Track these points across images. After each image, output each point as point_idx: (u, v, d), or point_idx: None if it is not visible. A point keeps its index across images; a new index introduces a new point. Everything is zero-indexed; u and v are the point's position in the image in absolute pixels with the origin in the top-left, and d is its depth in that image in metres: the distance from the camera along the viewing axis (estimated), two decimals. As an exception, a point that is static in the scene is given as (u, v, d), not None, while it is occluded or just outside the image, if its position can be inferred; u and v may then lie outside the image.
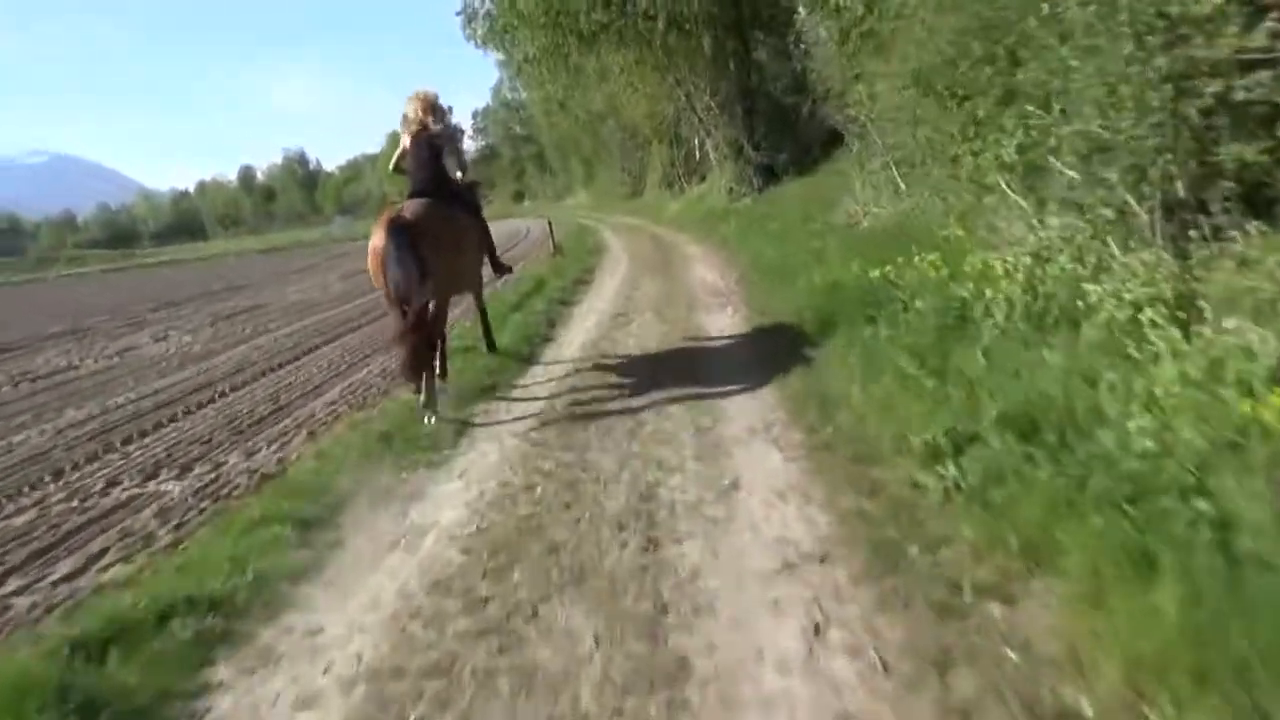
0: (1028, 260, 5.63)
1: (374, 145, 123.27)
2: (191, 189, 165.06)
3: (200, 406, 7.35)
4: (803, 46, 21.86)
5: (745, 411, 4.94)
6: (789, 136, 20.85)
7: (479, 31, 20.17)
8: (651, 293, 10.80)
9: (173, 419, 6.97)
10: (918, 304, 5.81)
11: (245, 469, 5.16)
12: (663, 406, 5.24)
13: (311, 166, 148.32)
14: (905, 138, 10.41)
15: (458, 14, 20.22)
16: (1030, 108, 6.66)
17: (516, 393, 6.23)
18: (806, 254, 9.97)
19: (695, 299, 9.67)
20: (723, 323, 8.10)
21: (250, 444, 5.78)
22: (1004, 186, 7.09)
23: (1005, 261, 6.10)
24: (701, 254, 15.03)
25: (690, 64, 21.54)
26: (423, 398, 5.46)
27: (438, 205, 5.84)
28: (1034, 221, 6.59)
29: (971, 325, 5.06)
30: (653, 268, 13.90)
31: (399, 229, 5.29)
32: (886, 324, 5.64)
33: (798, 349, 6.13)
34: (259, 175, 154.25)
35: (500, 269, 7.66)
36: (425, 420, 5.34)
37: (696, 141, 32.05)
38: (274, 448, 5.59)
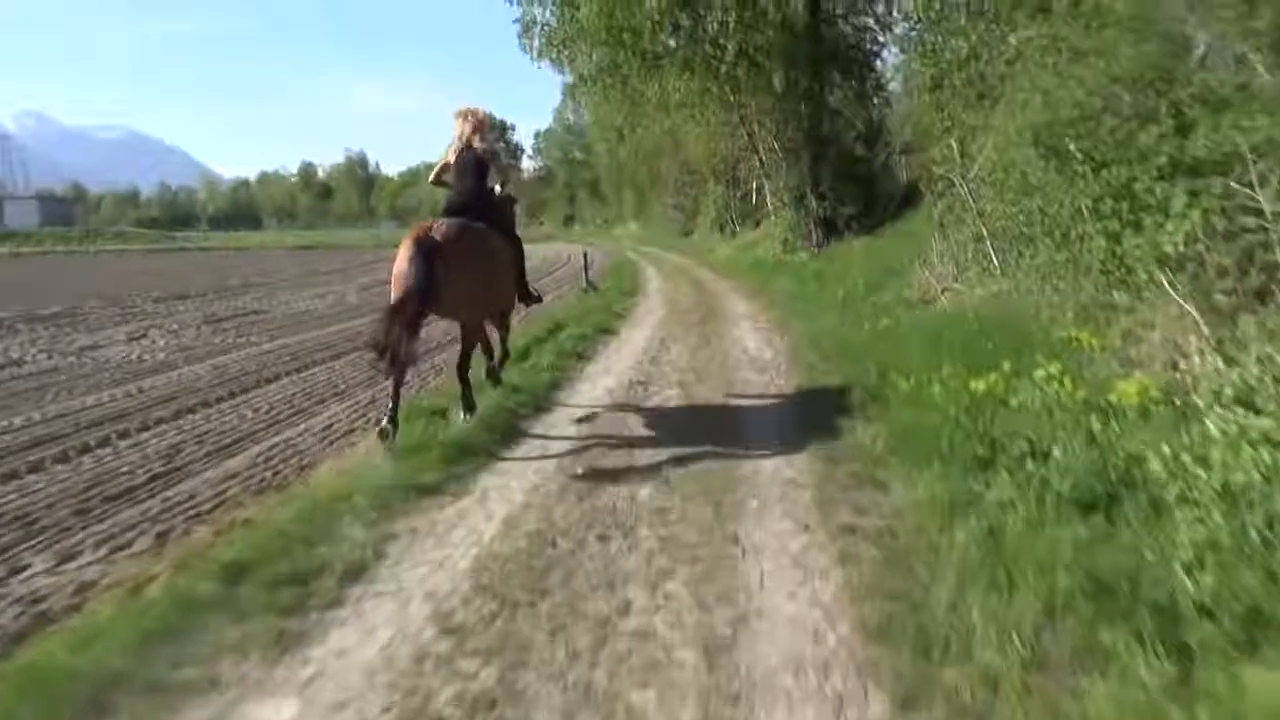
0: (1234, 410, 3.76)
1: (433, 155, 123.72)
2: (253, 178, 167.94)
3: (65, 459, 5.65)
4: (884, 93, 20.17)
5: (789, 640, 2.86)
6: (856, 189, 19.04)
7: (535, 44, 18.75)
8: (683, 358, 9.04)
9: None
10: (1055, 452, 3.94)
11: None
12: (659, 582, 3.39)
13: (370, 169, 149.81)
14: (1007, 205, 8.58)
15: (515, 21, 18.88)
16: (1225, 181, 4.85)
17: (465, 501, 4.43)
18: (874, 336, 8.18)
19: (733, 376, 7.88)
20: (765, 419, 6.28)
21: (59, 546, 4.04)
22: (1165, 287, 5.23)
23: (1183, 397, 4.26)
24: (748, 312, 13.26)
25: (757, 100, 19.93)
26: (388, 416, 5.15)
27: (471, 225, 5.67)
28: (1213, 343, 4.74)
29: (1163, 513, 3.17)
30: (690, 323, 12.17)
31: (426, 247, 5.20)
32: (1010, 482, 3.76)
33: (871, 495, 4.27)
34: (320, 172, 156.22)
35: (528, 299, 7.16)
36: (385, 435, 5.06)
37: (754, 185, 30.47)
38: (78, 565, 3.83)
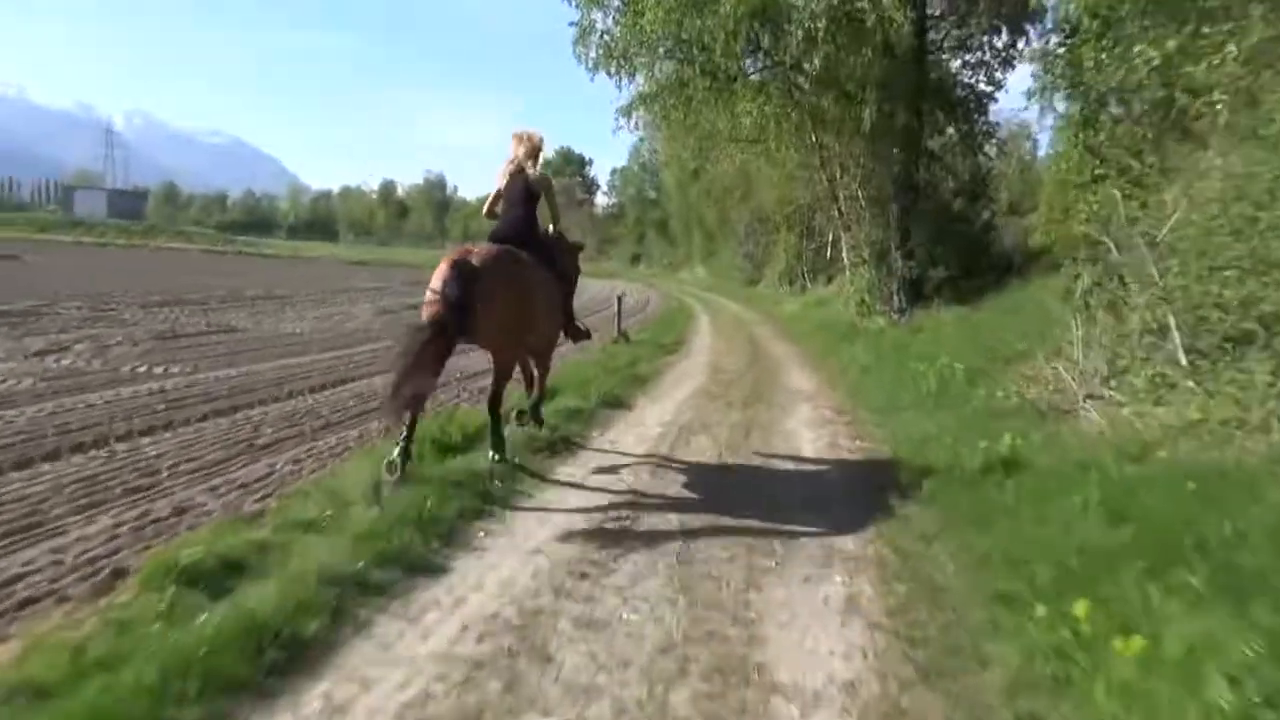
0: None
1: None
2: (336, 191, 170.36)
3: None
4: (994, 140, 17.21)
5: None
6: (952, 250, 15.98)
7: (592, 53, 16.26)
8: (704, 470, 6.17)
9: None
10: None
11: None
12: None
13: (448, 192, 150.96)
14: (1219, 285, 5.62)
15: (571, 24, 16.44)
16: None
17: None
18: (997, 468, 5.24)
19: (776, 518, 4.85)
20: (832, 592, 3.57)
21: None
22: None
23: None
24: (810, 390, 10.45)
25: (842, 138, 17.05)
26: (399, 448, 4.71)
27: (514, 254, 5.33)
28: None
29: None
30: (732, 400, 9.48)
31: (463, 270, 4.87)
32: None
33: None
34: (399, 190, 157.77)
35: (577, 334, 6.86)
36: (392, 468, 4.59)
37: (830, 237, 27.60)
38: None
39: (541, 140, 5.98)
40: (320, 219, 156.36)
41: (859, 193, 17.98)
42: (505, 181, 5.83)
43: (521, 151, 5.82)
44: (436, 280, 4.89)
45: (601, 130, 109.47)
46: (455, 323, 4.76)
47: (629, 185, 75.50)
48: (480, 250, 5.13)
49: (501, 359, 5.42)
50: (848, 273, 19.49)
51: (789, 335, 17.21)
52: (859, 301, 16.85)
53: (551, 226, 6.18)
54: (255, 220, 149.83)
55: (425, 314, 4.91)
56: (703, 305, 26.71)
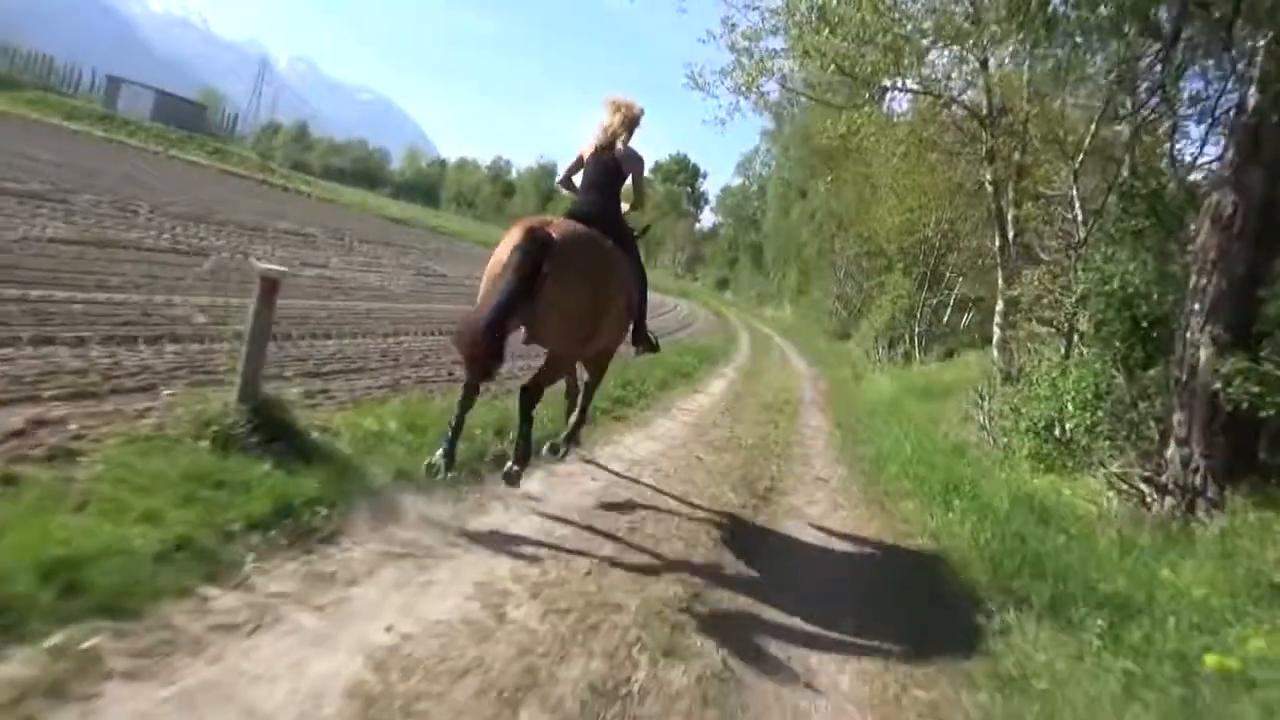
0: None
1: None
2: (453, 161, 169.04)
3: None
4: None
5: None
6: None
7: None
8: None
9: None
10: None
11: None
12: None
13: (556, 181, 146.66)
14: None
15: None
16: None
17: None
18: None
19: None
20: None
21: None
22: None
23: None
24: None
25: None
26: (443, 447, 4.05)
27: (599, 238, 4.47)
28: None
29: None
30: None
31: (537, 242, 3.94)
32: None
33: None
34: (513, 171, 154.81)
35: (644, 343, 5.41)
36: (434, 471, 4.00)
37: (957, 294, 19.59)
38: None
39: (641, 112, 4.93)
40: (427, 183, 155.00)
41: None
42: (591, 152, 4.89)
43: (616, 120, 4.85)
44: (504, 247, 4.06)
45: (725, 150, 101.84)
46: (518, 297, 3.82)
47: (730, 199, 67.78)
48: (560, 224, 4.20)
49: (559, 360, 4.44)
50: (993, 352, 11.59)
51: (868, 435, 9.59)
52: (1047, 428, 8.60)
53: (631, 207, 5.26)
54: (363, 171, 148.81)
55: (484, 285, 4.14)
56: (761, 356, 19.06)
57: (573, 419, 5.41)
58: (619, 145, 4.86)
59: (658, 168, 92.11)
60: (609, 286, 4.49)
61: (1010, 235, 12.13)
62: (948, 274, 20.56)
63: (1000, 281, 12.34)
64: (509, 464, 4.22)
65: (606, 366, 5.53)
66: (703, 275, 71.44)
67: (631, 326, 5.22)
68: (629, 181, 5.01)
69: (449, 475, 4.01)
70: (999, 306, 12.35)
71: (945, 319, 21.55)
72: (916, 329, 20.61)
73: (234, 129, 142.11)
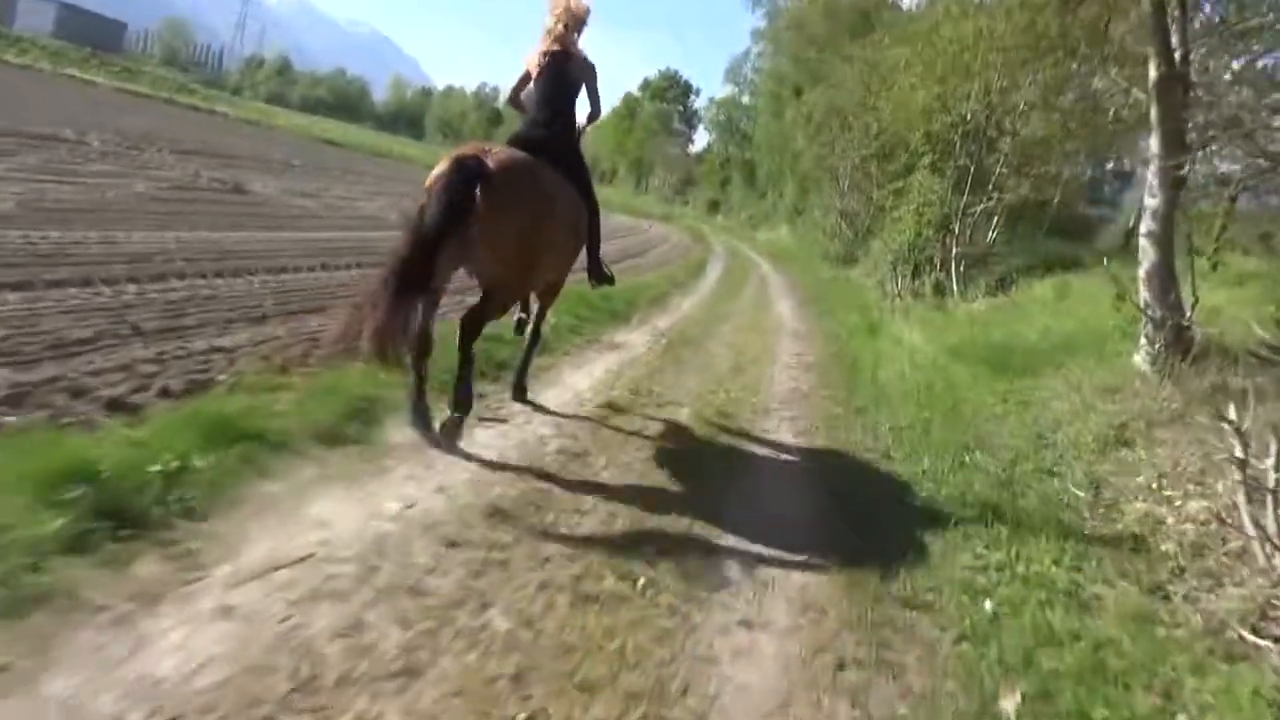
0: None
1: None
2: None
3: None
4: None
5: None
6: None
7: None
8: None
9: None
10: None
11: None
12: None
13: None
14: None
15: None
16: None
17: None
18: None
19: None
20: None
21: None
22: None
23: None
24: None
25: None
26: (411, 403, 3.63)
27: (540, 164, 4.04)
28: None
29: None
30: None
31: (469, 172, 3.51)
32: None
33: None
34: (500, 98, 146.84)
35: (600, 275, 5.07)
36: (417, 427, 3.61)
37: (1014, 191, 13.65)
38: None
39: (587, 10, 4.56)
40: (411, 114, 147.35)
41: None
42: (539, 65, 4.48)
43: (561, 25, 4.45)
44: (434, 180, 3.59)
45: (720, 66, 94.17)
46: (444, 236, 3.39)
47: (719, 111, 60.48)
48: (497, 153, 3.74)
49: (497, 298, 3.92)
50: (1144, 284, 5.71)
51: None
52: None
53: (586, 121, 4.80)
54: (342, 103, 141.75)
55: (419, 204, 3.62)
56: (725, 304, 13.08)
57: (520, 358, 4.92)
58: (571, 50, 4.48)
59: (646, 85, 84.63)
60: (551, 219, 4.09)
61: (1180, 58, 6.11)
62: (998, 169, 14.36)
63: (1155, 147, 6.30)
64: (450, 409, 3.71)
65: (554, 301, 5.13)
66: (694, 198, 64.76)
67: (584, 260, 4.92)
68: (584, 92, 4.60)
69: (425, 429, 3.57)
70: (1150, 200, 6.36)
71: (993, 235, 15.39)
72: (954, 250, 14.48)
73: (220, 64, 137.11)
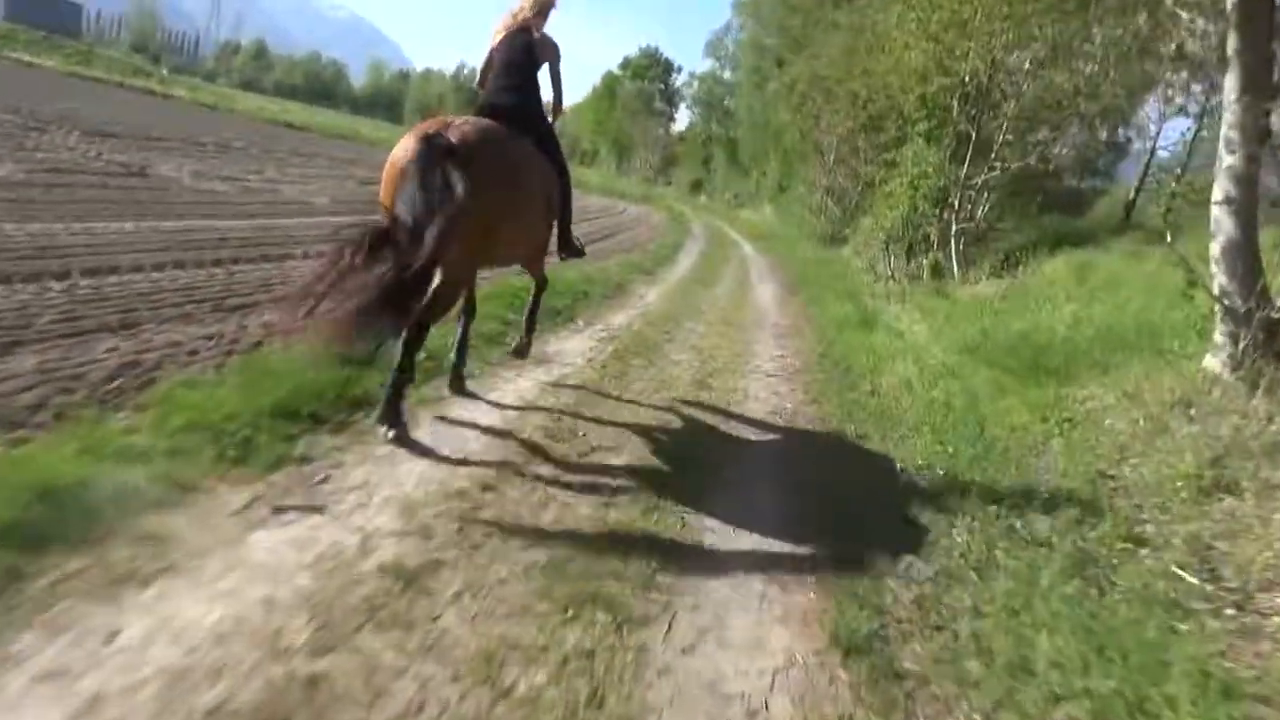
0: None
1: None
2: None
3: None
4: None
5: None
6: None
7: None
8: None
9: None
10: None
11: None
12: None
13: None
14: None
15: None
16: None
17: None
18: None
19: None
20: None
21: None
22: None
23: None
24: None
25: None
26: (386, 398, 3.42)
27: (508, 134, 3.81)
28: None
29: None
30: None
31: (435, 146, 3.26)
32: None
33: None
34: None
35: (570, 248, 4.85)
36: (381, 433, 3.36)
37: (1019, 159, 12.31)
38: None
39: None
40: (389, 97, 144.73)
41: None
42: (501, 41, 4.37)
43: (527, 5, 4.39)
44: (398, 158, 3.37)
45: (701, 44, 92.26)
46: (428, 217, 3.11)
47: (699, 87, 58.69)
48: (462, 124, 3.52)
49: (454, 273, 3.48)
50: (1218, 264, 4.29)
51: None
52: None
53: (551, 114, 4.56)
54: (317, 88, 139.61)
55: (383, 183, 3.43)
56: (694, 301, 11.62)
57: (524, 326, 4.90)
58: (534, 30, 4.32)
59: (627, 63, 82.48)
60: (524, 189, 3.93)
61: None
62: (1001, 137, 12.90)
63: (1232, 88, 4.87)
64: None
65: (542, 265, 4.91)
66: (677, 179, 63.06)
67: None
68: (545, 72, 4.39)
69: (391, 430, 3.32)
70: (1228, 157, 4.92)
71: (993, 208, 13.94)
72: (953, 226, 13.01)
73: (196, 50, 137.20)
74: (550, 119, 4.53)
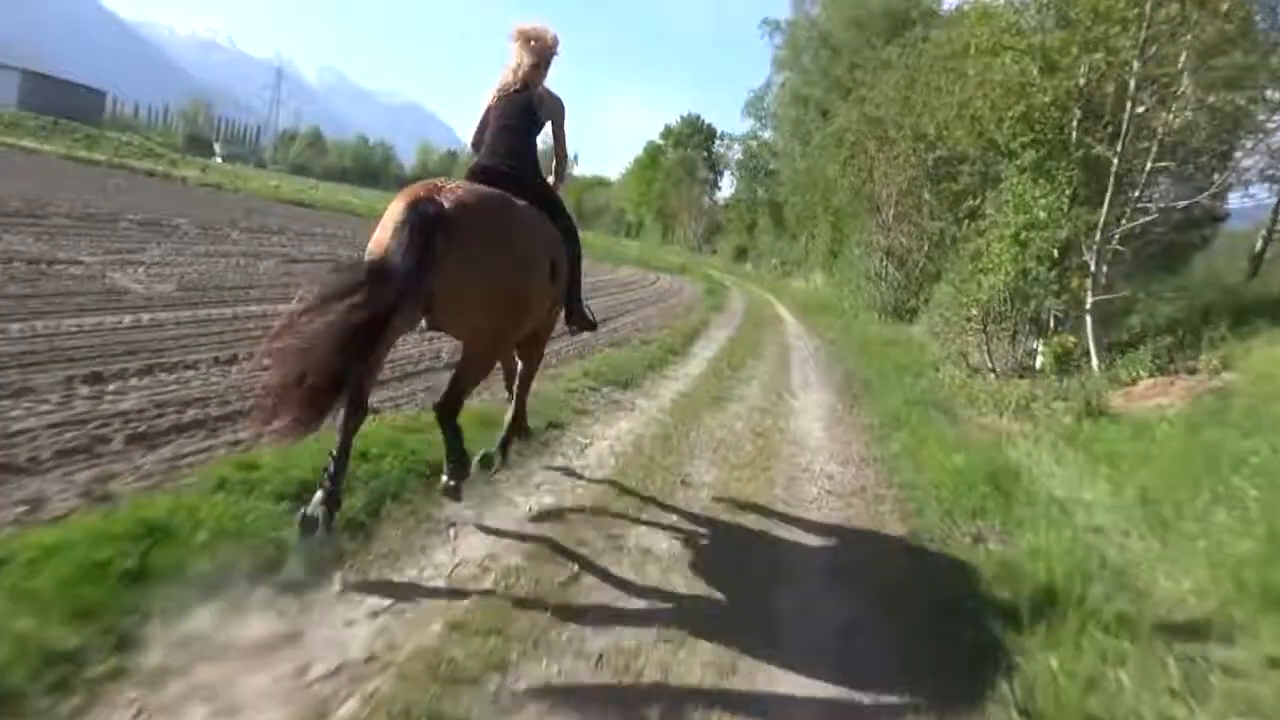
0: None
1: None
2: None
3: None
4: None
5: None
6: None
7: None
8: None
9: None
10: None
11: None
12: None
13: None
14: None
15: None
16: None
17: None
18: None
19: None
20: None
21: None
22: None
23: None
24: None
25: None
26: (321, 491, 3.01)
27: (505, 199, 3.46)
28: None
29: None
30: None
31: (425, 216, 2.96)
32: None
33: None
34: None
35: (580, 321, 4.39)
36: (308, 527, 2.92)
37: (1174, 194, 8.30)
38: None
39: (555, 42, 3.97)
40: (437, 175, 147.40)
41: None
42: (497, 98, 3.92)
43: (526, 59, 3.87)
44: (384, 227, 3.08)
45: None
46: (404, 295, 2.84)
47: (741, 152, 55.57)
48: (454, 188, 3.19)
49: (477, 350, 3.44)
50: None
51: None
52: None
53: (554, 176, 4.26)
54: (365, 169, 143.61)
55: (372, 248, 3.15)
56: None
57: (507, 420, 4.39)
58: (534, 87, 3.92)
59: (668, 132, 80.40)
60: (526, 258, 3.55)
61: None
62: (1148, 165, 8.84)
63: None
64: (444, 478, 3.39)
65: (541, 354, 4.60)
66: (720, 247, 59.90)
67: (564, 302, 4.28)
68: (547, 131, 4.05)
69: (328, 531, 2.95)
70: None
71: (1104, 268, 9.84)
72: (1089, 297, 8.89)
73: (257, 139, 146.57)
74: (553, 180, 4.15)
